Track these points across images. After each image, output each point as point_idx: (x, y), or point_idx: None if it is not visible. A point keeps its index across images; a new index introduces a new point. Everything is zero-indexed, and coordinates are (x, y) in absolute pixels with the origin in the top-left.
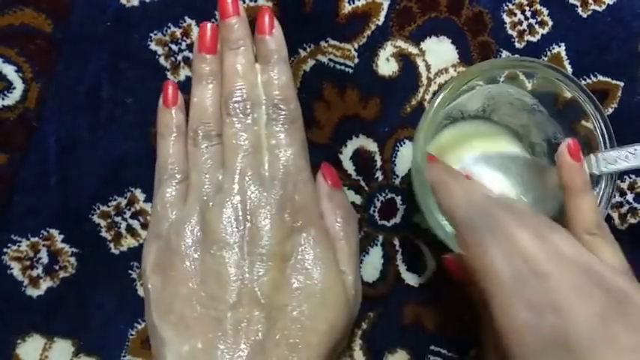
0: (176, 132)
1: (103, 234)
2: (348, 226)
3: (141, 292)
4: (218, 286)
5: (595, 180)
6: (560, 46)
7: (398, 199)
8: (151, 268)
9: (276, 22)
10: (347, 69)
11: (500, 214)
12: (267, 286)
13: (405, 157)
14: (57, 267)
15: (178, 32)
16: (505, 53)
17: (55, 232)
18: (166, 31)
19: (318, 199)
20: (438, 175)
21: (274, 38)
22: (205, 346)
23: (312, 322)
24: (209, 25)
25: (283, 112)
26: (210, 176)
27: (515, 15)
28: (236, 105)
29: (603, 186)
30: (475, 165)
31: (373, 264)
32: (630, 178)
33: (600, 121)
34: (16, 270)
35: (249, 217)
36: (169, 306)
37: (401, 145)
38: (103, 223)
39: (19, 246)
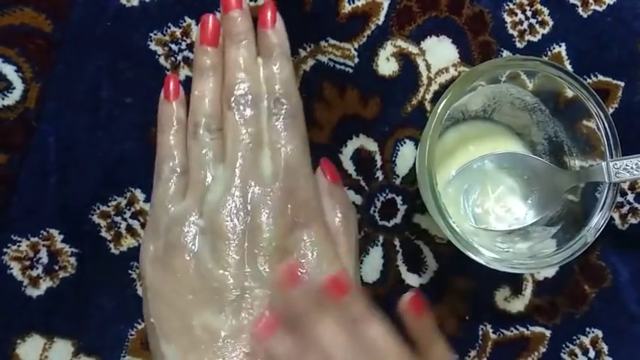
0: (176, 126)
1: (103, 234)
2: (347, 221)
3: (141, 292)
4: (218, 281)
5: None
6: (560, 46)
7: (398, 199)
8: (149, 263)
9: (278, 16)
10: (347, 69)
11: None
12: (267, 282)
13: (405, 156)
14: (57, 267)
15: (178, 32)
16: (506, 53)
17: (54, 232)
18: (166, 30)
19: (319, 195)
20: (281, 349)
21: (277, 32)
22: (205, 345)
23: None
24: (211, 17)
25: (285, 107)
26: (210, 170)
27: (515, 15)
28: (237, 99)
29: (607, 189)
30: (478, 166)
31: (373, 264)
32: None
33: (604, 120)
34: (15, 270)
35: (250, 212)
36: (168, 302)
37: (401, 145)
38: (102, 223)
39: (18, 246)
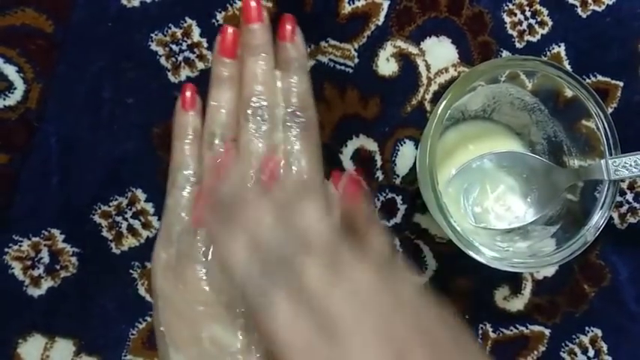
0: (192, 135)
1: (104, 234)
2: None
3: (142, 291)
4: (229, 295)
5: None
6: (559, 46)
7: (398, 198)
8: (161, 270)
9: (298, 30)
10: (347, 69)
11: (283, 268)
12: None
13: (405, 156)
14: (58, 267)
15: (179, 32)
16: (505, 53)
17: (56, 231)
18: (167, 31)
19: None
20: (212, 225)
21: (296, 46)
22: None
23: None
24: (230, 29)
25: (300, 120)
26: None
27: (515, 15)
28: (254, 110)
29: (606, 188)
30: (478, 165)
31: None
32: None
33: (603, 120)
34: (17, 270)
35: None
36: (179, 311)
37: (401, 145)
38: (104, 222)
39: (20, 246)
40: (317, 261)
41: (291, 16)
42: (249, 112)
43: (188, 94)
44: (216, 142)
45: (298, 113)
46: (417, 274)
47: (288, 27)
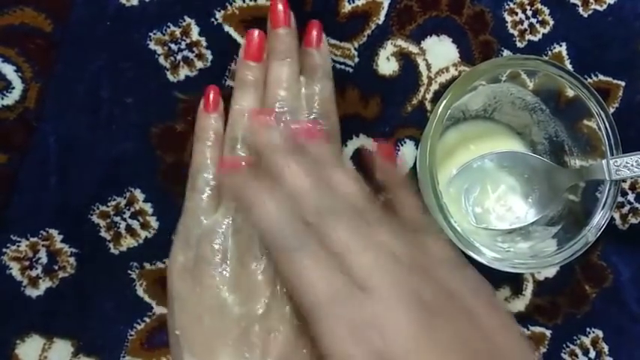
0: (213, 138)
1: (103, 234)
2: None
3: (140, 292)
4: (247, 296)
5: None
6: (561, 46)
7: None
8: (177, 274)
9: (324, 37)
10: (347, 68)
11: (316, 226)
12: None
13: (405, 156)
14: (56, 267)
15: (178, 31)
16: (506, 52)
17: (54, 232)
18: (166, 30)
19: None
20: (243, 189)
21: (322, 53)
22: (231, 357)
23: None
24: (257, 32)
25: (322, 126)
26: None
27: (516, 14)
28: (277, 115)
29: (607, 188)
30: (478, 165)
31: None
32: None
33: (605, 120)
34: (15, 270)
35: None
36: (195, 314)
37: (401, 145)
38: (102, 223)
39: (18, 246)
40: (349, 223)
41: (318, 22)
42: (272, 116)
43: (211, 96)
44: (238, 146)
45: (321, 120)
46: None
47: (315, 33)
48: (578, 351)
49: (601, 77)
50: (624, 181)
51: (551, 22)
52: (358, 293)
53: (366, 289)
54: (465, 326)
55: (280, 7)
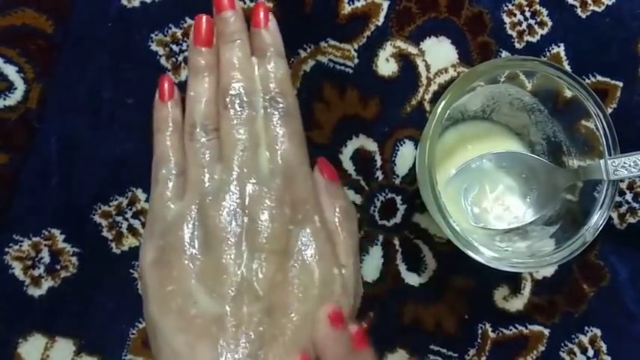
0: (172, 126)
1: (105, 234)
2: (346, 219)
3: (142, 291)
4: (217, 281)
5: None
6: (559, 47)
7: (398, 198)
8: (149, 265)
9: (271, 16)
10: (347, 69)
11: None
12: (266, 281)
13: (405, 156)
14: (58, 266)
15: (179, 33)
16: (505, 53)
17: (56, 231)
18: (167, 31)
19: (317, 194)
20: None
21: (270, 32)
22: (205, 342)
23: (311, 318)
24: (204, 17)
25: (280, 106)
26: (207, 171)
27: (514, 15)
28: (233, 98)
29: (605, 188)
30: (477, 165)
31: (373, 263)
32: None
33: (603, 120)
34: (17, 270)
35: (247, 211)
36: (169, 303)
37: (401, 145)
38: (104, 222)
39: (20, 246)
40: None
41: (263, 2)
42: (227, 100)
43: (165, 85)
44: (198, 132)
45: (279, 99)
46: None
47: (261, 13)
48: (576, 350)
49: (599, 78)
50: (622, 181)
51: (550, 24)
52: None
53: None
54: None
55: None
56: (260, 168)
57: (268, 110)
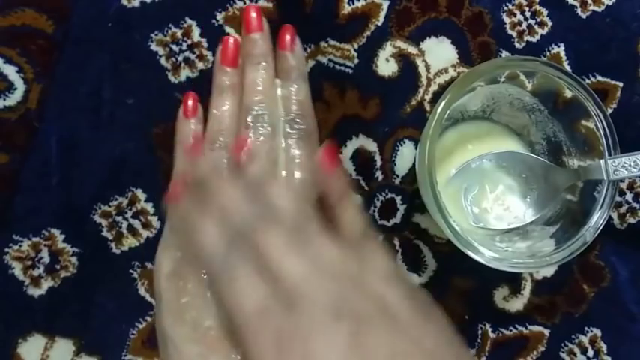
0: (194, 142)
1: (105, 234)
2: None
3: (142, 291)
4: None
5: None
6: (559, 47)
7: (398, 199)
8: (165, 277)
9: (297, 39)
10: (347, 69)
11: (247, 238)
12: None
13: (405, 157)
14: (58, 267)
15: (179, 33)
16: (505, 53)
17: (56, 231)
18: (167, 31)
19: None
20: (185, 218)
21: (295, 55)
22: (218, 355)
23: None
24: (231, 39)
25: (300, 127)
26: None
27: (514, 15)
28: (254, 119)
29: (605, 188)
30: (477, 165)
31: None
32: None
33: (603, 120)
34: (17, 270)
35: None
36: (183, 314)
37: (401, 145)
38: (104, 222)
39: (20, 246)
40: (280, 232)
41: (291, 26)
42: (249, 119)
43: (190, 102)
44: (217, 147)
45: (298, 120)
46: (393, 254)
47: (288, 37)
48: (576, 350)
49: (599, 78)
50: (622, 181)
51: (550, 24)
52: (284, 304)
53: (292, 300)
54: (397, 338)
55: (253, 14)
56: (277, 186)
57: (287, 131)
